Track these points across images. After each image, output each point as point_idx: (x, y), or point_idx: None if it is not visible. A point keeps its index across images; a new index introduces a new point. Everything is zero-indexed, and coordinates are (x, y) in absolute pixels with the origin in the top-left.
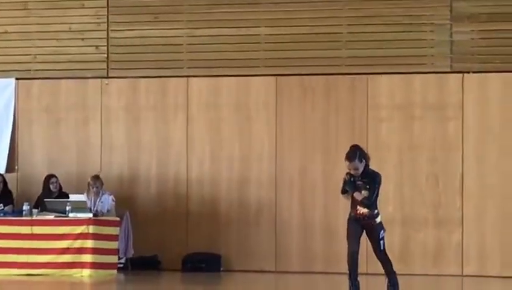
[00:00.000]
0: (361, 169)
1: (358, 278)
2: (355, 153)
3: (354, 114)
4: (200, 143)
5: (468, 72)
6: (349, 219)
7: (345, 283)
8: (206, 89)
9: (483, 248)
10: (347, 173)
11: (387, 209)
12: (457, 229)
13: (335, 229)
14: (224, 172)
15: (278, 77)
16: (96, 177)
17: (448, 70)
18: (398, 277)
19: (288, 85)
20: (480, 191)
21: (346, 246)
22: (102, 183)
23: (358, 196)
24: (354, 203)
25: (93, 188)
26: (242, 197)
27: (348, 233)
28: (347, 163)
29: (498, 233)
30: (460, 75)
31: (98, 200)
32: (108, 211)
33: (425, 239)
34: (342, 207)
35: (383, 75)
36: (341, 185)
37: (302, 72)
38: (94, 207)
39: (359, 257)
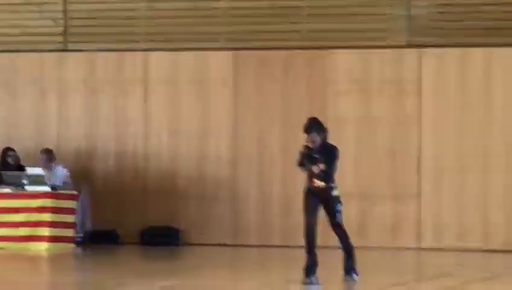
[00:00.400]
0: (318, 142)
1: (316, 251)
2: (313, 125)
3: (313, 89)
4: (158, 118)
5: (426, 47)
6: (305, 192)
7: (302, 256)
8: (165, 63)
9: (439, 221)
10: (304, 146)
11: (345, 183)
12: (414, 203)
13: (293, 203)
14: (183, 147)
15: (237, 51)
16: (46, 151)
17: (406, 45)
18: (356, 250)
19: (247, 59)
20: (437, 165)
21: (303, 219)
22: (54, 157)
23: (315, 169)
24: (311, 176)
25: (45, 161)
26: (201, 172)
27: (304, 206)
28: (305, 135)
29: (454, 206)
30: (418, 50)
31: (51, 173)
32: (64, 183)
33: (382, 213)
34: (300, 181)
35: (341, 50)
36: (299, 158)
37: (261, 46)
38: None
39: (316, 230)
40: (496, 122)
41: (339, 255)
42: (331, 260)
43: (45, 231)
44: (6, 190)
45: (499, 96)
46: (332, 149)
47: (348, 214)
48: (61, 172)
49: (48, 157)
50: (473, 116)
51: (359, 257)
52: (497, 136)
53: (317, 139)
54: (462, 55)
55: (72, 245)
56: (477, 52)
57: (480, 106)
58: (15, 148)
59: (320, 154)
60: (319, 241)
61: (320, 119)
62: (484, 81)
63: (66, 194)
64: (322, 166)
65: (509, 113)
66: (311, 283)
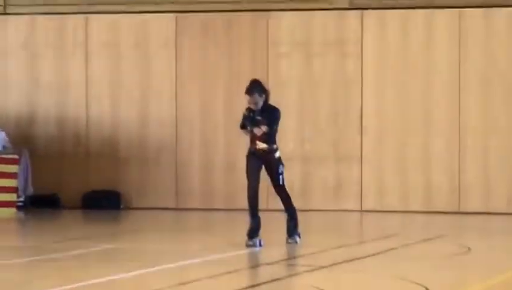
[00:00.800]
0: (260, 103)
1: (259, 214)
2: (255, 86)
3: (255, 51)
4: (100, 82)
5: (367, 9)
6: (248, 154)
7: (245, 218)
8: (106, 27)
9: (381, 184)
10: (247, 108)
11: (287, 145)
12: (356, 165)
13: (236, 166)
14: (124, 111)
15: (178, 14)
16: None
17: (348, 6)
18: (298, 213)
19: (189, 23)
20: (379, 128)
21: (246, 182)
22: None
23: (257, 131)
24: (253, 138)
25: None
26: (142, 136)
27: (247, 169)
28: (247, 97)
29: (396, 168)
30: (360, 11)
31: None
32: (4, 147)
33: (325, 175)
34: (243, 144)
35: (283, 12)
36: (241, 120)
37: (203, 9)
38: None
39: (259, 193)
40: (438, 84)
41: (282, 218)
42: (274, 223)
43: None
44: None
45: (440, 58)
46: (274, 111)
47: (291, 177)
48: None
49: None
50: (414, 78)
51: (302, 219)
52: (438, 98)
53: (259, 100)
54: (403, 17)
55: (13, 210)
56: (419, 14)
57: (421, 67)
58: None
59: (262, 116)
60: (262, 204)
61: (263, 81)
62: (425, 43)
63: (6, 158)
64: (264, 128)
65: (450, 75)
66: (254, 246)
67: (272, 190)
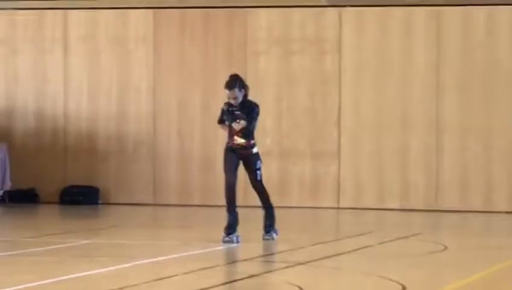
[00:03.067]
0: (240, 98)
1: (236, 210)
2: (235, 81)
3: (233, 47)
4: (78, 77)
5: (345, 6)
6: (225, 149)
7: (223, 214)
8: (84, 22)
9: (359, 181)
10: (225, 103)
11: (265, 142)
12: (334, 162)
13: (213, 162)
14: (103, 106)
15: (156, 10)
16: None
17: (326, 4)
18: (276, 209)
19: (167, 18)
20: (356, 125)
21: (224, 178)
22: None
23: (236, 125)
24: (232, 134)
25: None
26: (120, 131)
27: (224, 165)
28: (226, 91)
29: (373, 166)
30: (338, 9)
31: None
32: None
33: (302, 172)
34: (221, 139)
35: (261, 9)
36: (219, 115)
37: (181, 5)
38: None
39: (237, 188)
40: (415, 81)
41: (260, 214)
42: (251, 219)
43: None
44: None
45: (419, 56)
46: (253, 106)
47: (269, 174)
48: None
49: None
50: (392, 75)
51: (280, 216)
52: (416, 96)
53: (239, 95)
54: (382, 14)
55: None
56: (397, 11)
57: (399, 65)
58: None
59: (242, 111)
60: (240, 200)
61: (242, 76)
62: (404, 40)
63: None
64: (243, 123)
65: (428, 72)
66: (231, 242)
67: (249, 186)
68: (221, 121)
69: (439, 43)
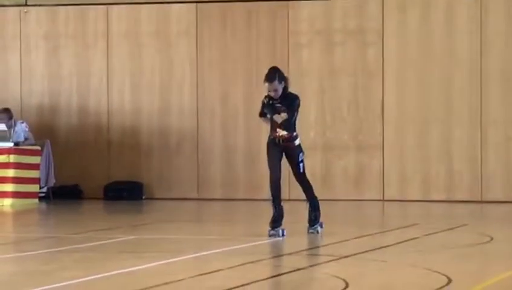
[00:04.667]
0: (280, 91)
1: (281, 203)
2: (275, 74)
3: (275, 40)
4: (121, 72)
5: None
6: (268, 143)
7: (268, 208)
8: (126, 17)
9: (403, 173)
10: (266, 96)
11: (309, 135)
12: (378, 155)
13: (257, 156)
14: (145, 101)
15: (199, 4)
16: (3, 110)
17: None
18: (320, 202)
19: (209, 12)
20: (400, 117)
21: (268, 172)
22: (12, 114)
23: (277, 118)
24: (273, 126)
25: (5, 121)
26: (163, 126)
27: (268, 159)
28: (266, 84)
29: (418, 158)
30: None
31: (12, 130)
32: (26, 139)
33: (346, 164)
34: (264, 132)
35: (303, 1)
36: (260, 108)
37: None
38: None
39: (282, 182)
40: (458, 71)
41: (304, 207)
42: (296, 212)
43: (9, 187)
44: None
45: (462, 46)
46: (294, 98)
47: (313, 167)
48: (20, 128)
49: (7, 116)
50: (435, 66)
51: (324, 209)
52: (460, 87)
53: (279, 88)
54: (423, 3)
55: (36, 200)
56: (439, 2)
57: (442, 56)
58: None
59: (282, 104)
60: (285, 193)
61: (283, 70)
62: (446, 30)
63: (29, 149)
64: (284, 115)
65: (472, 62)
66: (277, 235)
67: (294, 179)
68: (262, 114)
69: (482, 31)
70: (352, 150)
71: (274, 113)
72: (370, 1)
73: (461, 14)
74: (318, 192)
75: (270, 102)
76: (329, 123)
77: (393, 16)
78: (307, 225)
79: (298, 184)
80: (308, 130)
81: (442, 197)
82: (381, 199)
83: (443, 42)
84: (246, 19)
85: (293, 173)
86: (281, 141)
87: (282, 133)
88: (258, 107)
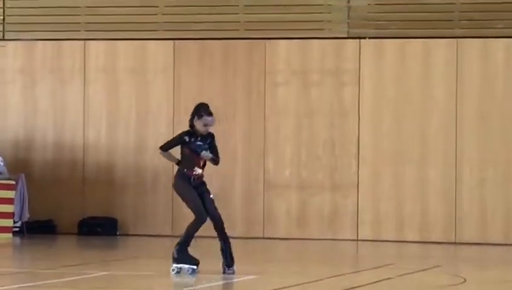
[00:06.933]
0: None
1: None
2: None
3: (252, 78)
4: (97, 108)
5: (365, 38)
6: (182, 179)
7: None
8: (104, 53)
9: (378, 213)
10: (186, 133)
11: (284, 173)
12: (352, 194)
13: (230, 193)
14: (121, 138)
15: (176, 41)
16: None
17: (345, 36)
18: (295, 242)
19: (187, 49)
20: (375, 157)
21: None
22: None
23: (205, 155)
24: (192, 163)
25: None
26: (139, 162)
27: (194, 202)
28: (209, 118)
29: (392, 198)
30: (357, 40)
31: None
32: (0, 173)
33: (321, 204)
34: (239, 172)
35: (280, 40)
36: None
37: (200, 37)
38: None
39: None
40: (434, 113)
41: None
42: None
43: None
44: None
45: (437, 88)
46: (213, 135)
47: (287, 205)
48: None
49: None
50: (411, 107)
51: (298, 248)
52: (435, 127)
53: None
54: (400, 46)
55: (9, 235)
56: (416, 44)
57: (418, 97)
58: None
59: (203, 142)
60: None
61: (260, 109)
62: (422, 72)
63: (3, 183)
64: (209, 154)
65: (447, 104)
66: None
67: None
68: (167, 149)
69: (458, 74)
70: (327, 189)
71: (202, 150)
72: (347, 42)
73: (438, 56)
74: (292, 231)
75: (192, 139)
76: (304, 162)
77: (370, 57)
78: (223, 264)
79: (214, 221)
80: (283, 168)
81: (417, 237)
82: (356, 238)
83: (419, 83)
84: (223, 57)
85: (209, 209)
86: (195, 179)
87: (199, 171)
88: (234, 145)
